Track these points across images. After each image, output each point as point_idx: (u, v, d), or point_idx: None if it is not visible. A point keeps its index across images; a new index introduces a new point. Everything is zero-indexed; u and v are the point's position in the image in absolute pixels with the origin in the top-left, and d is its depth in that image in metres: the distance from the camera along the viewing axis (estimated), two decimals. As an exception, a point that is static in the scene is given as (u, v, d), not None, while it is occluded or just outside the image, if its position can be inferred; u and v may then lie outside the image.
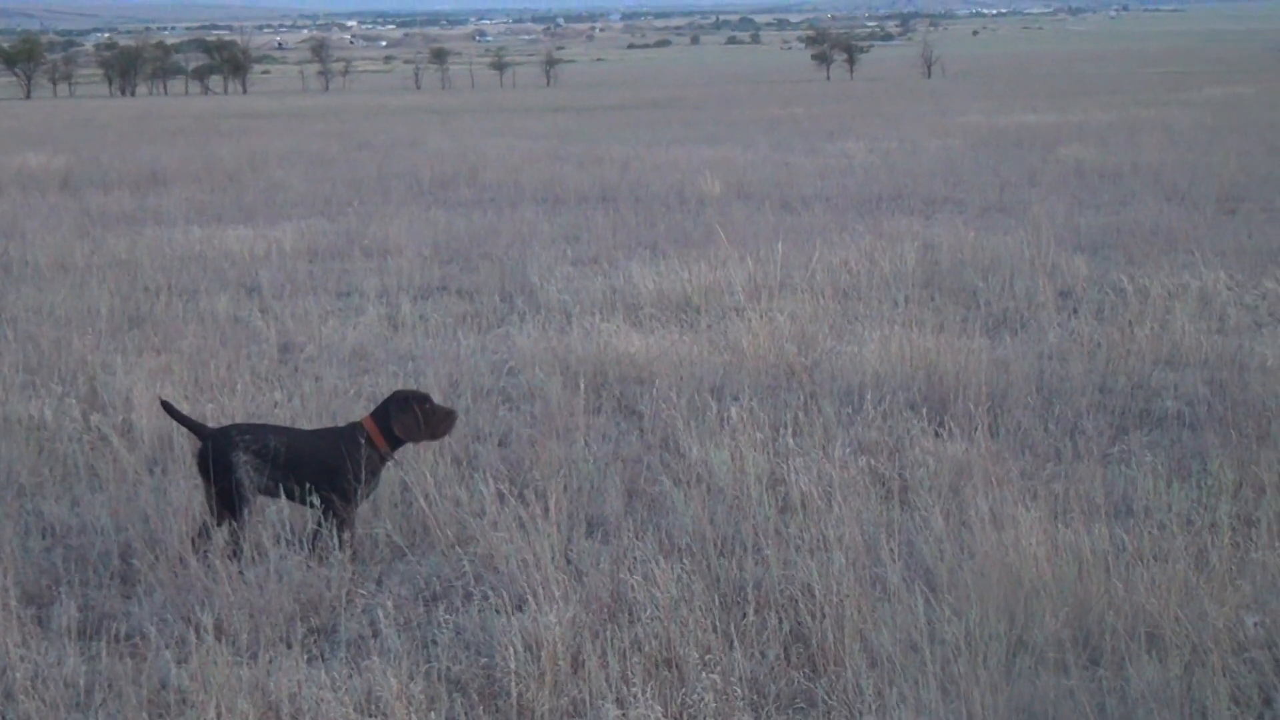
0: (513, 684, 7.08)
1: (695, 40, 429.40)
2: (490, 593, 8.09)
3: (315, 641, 7.86)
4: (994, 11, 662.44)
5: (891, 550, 8.19)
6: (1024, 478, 9.81)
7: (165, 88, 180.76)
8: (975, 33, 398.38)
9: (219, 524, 8.79)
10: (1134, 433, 11.11)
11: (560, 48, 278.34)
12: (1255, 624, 7.25)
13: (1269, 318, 15.03)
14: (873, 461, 10.20)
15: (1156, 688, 6.71)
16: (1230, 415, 11.32)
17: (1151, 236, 20.93)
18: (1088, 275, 17.53)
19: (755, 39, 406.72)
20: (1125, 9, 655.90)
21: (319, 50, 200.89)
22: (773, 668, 7.26)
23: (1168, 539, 8.23)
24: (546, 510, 8.74)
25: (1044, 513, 8.49)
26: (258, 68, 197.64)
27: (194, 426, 9.09)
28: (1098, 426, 11.14)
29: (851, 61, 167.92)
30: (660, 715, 6.78)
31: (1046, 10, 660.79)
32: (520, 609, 7.77)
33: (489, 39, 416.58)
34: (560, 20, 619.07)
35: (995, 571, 7.71)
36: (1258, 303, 15.64)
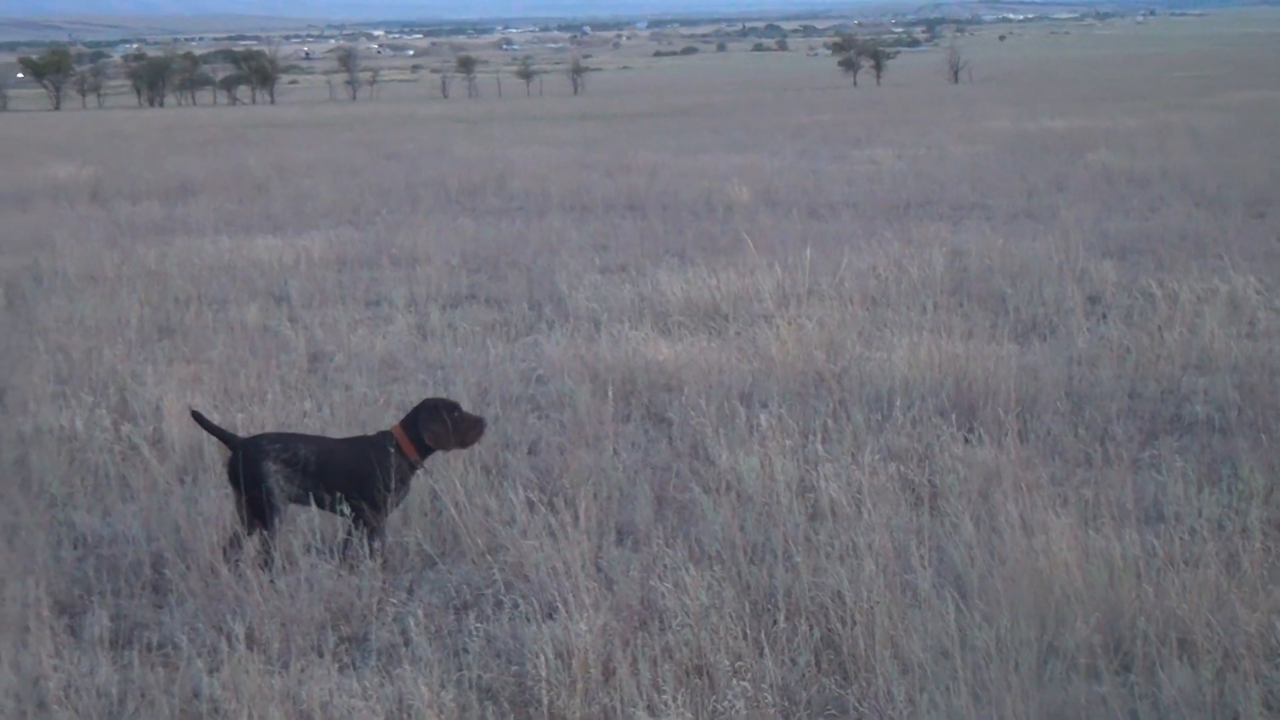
0: (544, 692, 7.09)
1: (721, 47, 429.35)
2: (521, 601, 8.11)
3: (346, 650, 7.88)
4: (1020, 17, 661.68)
5: (922, 557, 8.18)
6: (1054, 483, 9.79)
7: (193, 98, 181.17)
8: (1002, 38, 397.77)
9: (250, 533, 8.82)
10: (1164, 438, 11.09)
11: (587, 56, 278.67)
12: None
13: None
14: (902, 468, 10.20)
15: (1188, 693, 6.70)
16: (1261, 420, 11.29)
17: (1180, 241, 20.88)
18: (1116, 280, 17.49)
19: (782, 46, 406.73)
20: (1152, 13, 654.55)
21: (346, 60, 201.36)
22: (804, 675, 7.26)
23: (1199, 544, 8.21)
24: (576, 518, 8.75)
25: (1074, 518, 8.47)
26: (285, 78, 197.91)
27: (224, 436, 9.12)
28: (1127, 432, 11.12)
29: (878, 68, 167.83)
30: (691, 722, 6.79)
31: (1073, 15, 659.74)
32: (551, 617, 7.77)
33: (515, 47, 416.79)
34: (586, 28, 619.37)
35: (1026, 578, 7.71)
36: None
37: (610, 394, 11.95)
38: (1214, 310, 14.84)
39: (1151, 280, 16.67)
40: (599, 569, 8.52)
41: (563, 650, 7.33)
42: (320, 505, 8.95)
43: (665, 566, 8.31)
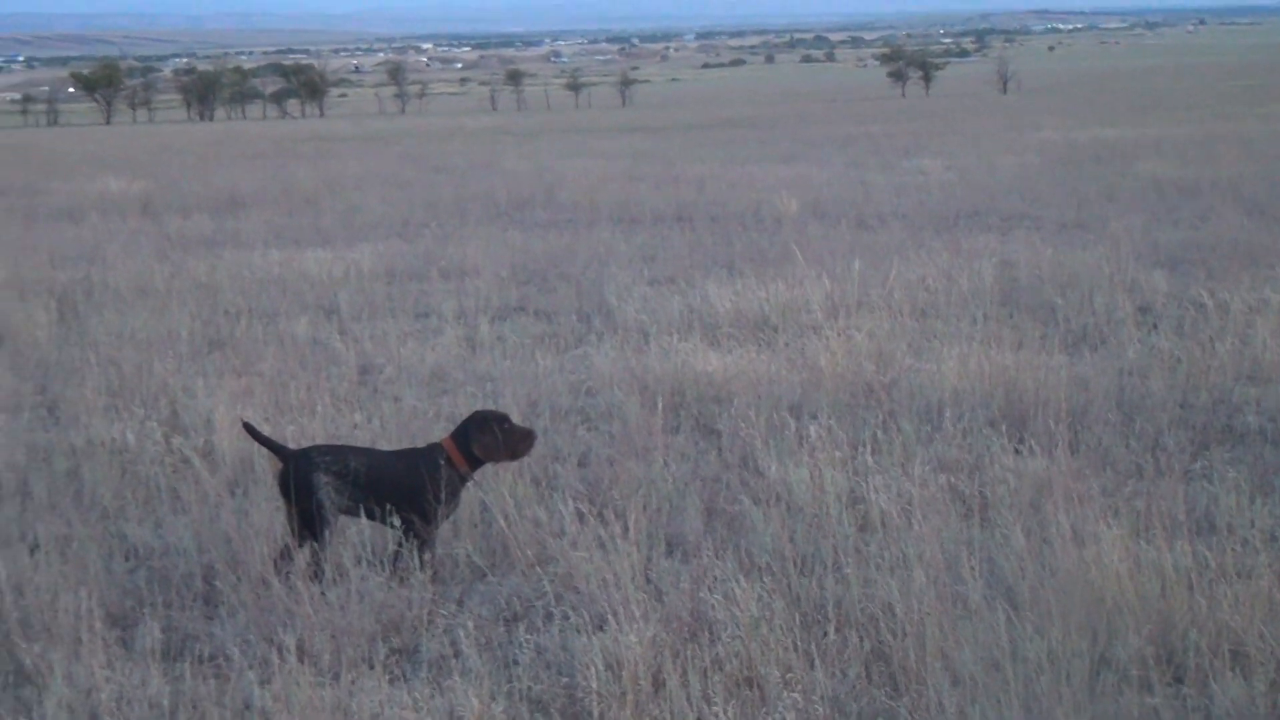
0: (594, 704, 7.09)
1: (770, 59, 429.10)
2: (571, 612, 8.12)
3: (397, 662, 7.89)
4: (1069, 27, 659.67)
5: (972, 568, 8.16)
6: (1105, 494, 9.75)
7: (243, 112, 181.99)
8: (1051, 48, 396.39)
9: (300, 545, 8.84)
10: (1216, 449, 11.04)
11: (635, 68, 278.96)
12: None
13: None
14: (952, 479, 10.17)
15: (1241, 705, 6.67)
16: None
17: (1231, 251, 20.77)
18: (1167, 291, 17.42)
19: (830, 57, 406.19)
20: (1202, 23, 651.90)
21: (395, 73, 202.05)
22: (854, 687, 7.24)
23: (1251, 555, 8.17)
24: (626, 530, 8.75)
25: (1126, 530, 8.44)
26: (334, 91, 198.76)
27: (275, 448, 9.15)
28: (1179, 443, 11.07)
29: (927, 78, 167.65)
30: (742, 734, 6.79)
31: (1123, 25, 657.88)
32: (601, 629, 7.77)
33: (564, 60, 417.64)
34: (635, 40, 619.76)
35: (1077, 589, 7.68)
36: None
37: (659, 406, 11.94)
38: (1266, 320, 14.76)
39: (1202, 290, 16.60)
40: (649, 580, 8.52)
41: (613, 662, 7.33)
42: (371, 517, 8.97)
43: (715, 578, 8.30)
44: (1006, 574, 8.21)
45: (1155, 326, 15.55)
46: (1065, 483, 9.65)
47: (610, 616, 7.76)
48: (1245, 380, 13.07)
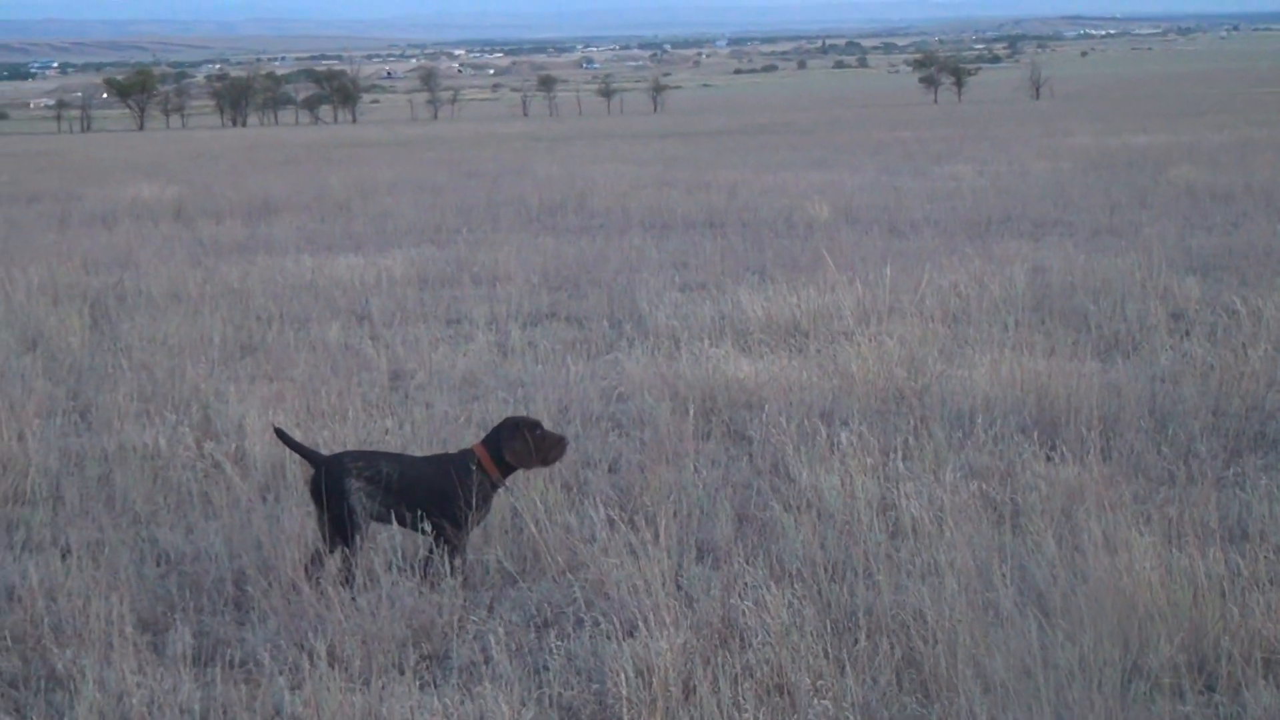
0: (624, 710, 7.09)
1: (802, 65, 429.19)
2: (601, 619, 8.12)
3: (427, 668, 7.89)
4: (1102, 33, 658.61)
5: (1004, 575, 8.14)
6: (1137, 501, 9.72)
7: (276, 118, 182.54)
8: (1084, 54, 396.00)
9: (332, 550, 8.86)
10: (1249, 456, 11.00)
11: (667, 74, 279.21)
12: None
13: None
14: (984, 486, 10.16)
15: (1274, 714, 6.66)
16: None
17: (1265, 258, 20.71)
18: (1200, 297, 17.36)
19: (862, 63, 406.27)
20: (1236, 29, 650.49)
21: (427, 79, 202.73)
22: (885, 694, 7.22)
23: (1285, 563, 8.14)
24: (657, 536, 8.74)
25: (1158, 537, 8.42)
26: (367, 97, 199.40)
27: (307, 454, 9.16)
28: (1212, 450, 11.02)
29: (959, 84, 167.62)
30: (772, 741, 6.78)
31: (1155, 31, 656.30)
32: (631, 635, 7.76)
33: (596, 66, 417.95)
34: (667, 46, 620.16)
35: (1109, 596, 7.66)
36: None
37: (691, 412, 11.95)
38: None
39: (1235, 297, 16.53)
40: (679, 587, 8.51)
41: (643, 668, 7.32)
42: (402, 523, 8.98)
43: (746, 585, 8.30)
44: (1038, 581, 8.19)
45: (1188, 333, 15.48)
46: (1097, 490, 9.65)
47: (641, 623, 7.75)
48: (1277, 388, 13.00)
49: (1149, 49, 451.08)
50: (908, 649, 7.58)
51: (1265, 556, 8.32)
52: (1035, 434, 11.36)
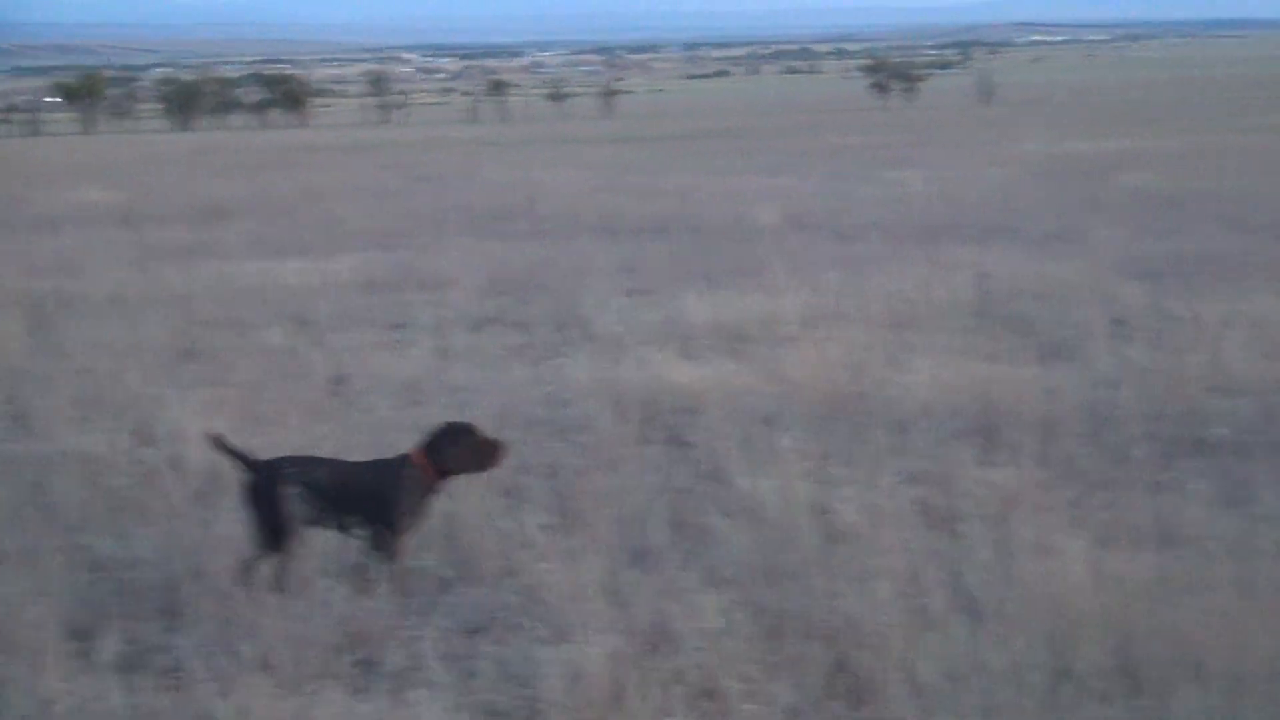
0: (554, 715, 7.07)
1: (754, 70, 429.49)
2: (534, 624, 8.10)
3: (360, 673, 7.85)
4: (1053, 39, 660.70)
5: (937, 579, 8.15)
6: (1071, 506, 9.74)
7: (225, 122, 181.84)
8: (1035, 60, 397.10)
9: (266, 556, 8.81)
10: (1184, 460, 11.05)
11: (619, 79, 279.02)
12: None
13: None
14: (921, 491, 10.18)
15: (1197, 717, 6.67)
16: (1280, 442, 11.26)
17: (1210, 263, 20.81)
18: (1143, 303, 17.42)
19: (814, 69, 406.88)
20: (1188, 35, 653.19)
21: (378, 83, 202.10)
22: (815, 698, 7.22)
23: (1213, 568, 8.16)
24: (592, 541, 8.73)
25: (1090, 541, 8.45)
26: (317, 101, 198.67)
27: (243, 459, 9.11)
28: (1147, 454, 11.04)
29: (910, 90, 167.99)
30: (702, 746, 6.78)
31: (1106, 38, 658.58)
32: (564, 640, 7.75)
33: (548, 70, 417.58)
34: (619, 51, 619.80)
35: (1040, 600, 7.68)
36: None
37: (632, 417, 11.94)
38: (1237, 333, 14.79)
39: (1178, 303, 16.62)
40: (613, 592, 8.49)
41: (574, 674, 7.31)
42: (338, 528, 8.95)
43: (679, 589, 8.29)
44: (970, 585, 8.20)
45: (1130, 338, 15.52)
46: (1032, 494, 9.68)
47: (572, 628, 7.74)
48: (1216, 392, 13.06)
49: (1100, 55, 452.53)
50: (838, 653, 7.57)
51: (1195, 561, 8.35)
52: (974, 439, 11.39)
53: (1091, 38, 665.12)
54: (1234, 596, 7.66)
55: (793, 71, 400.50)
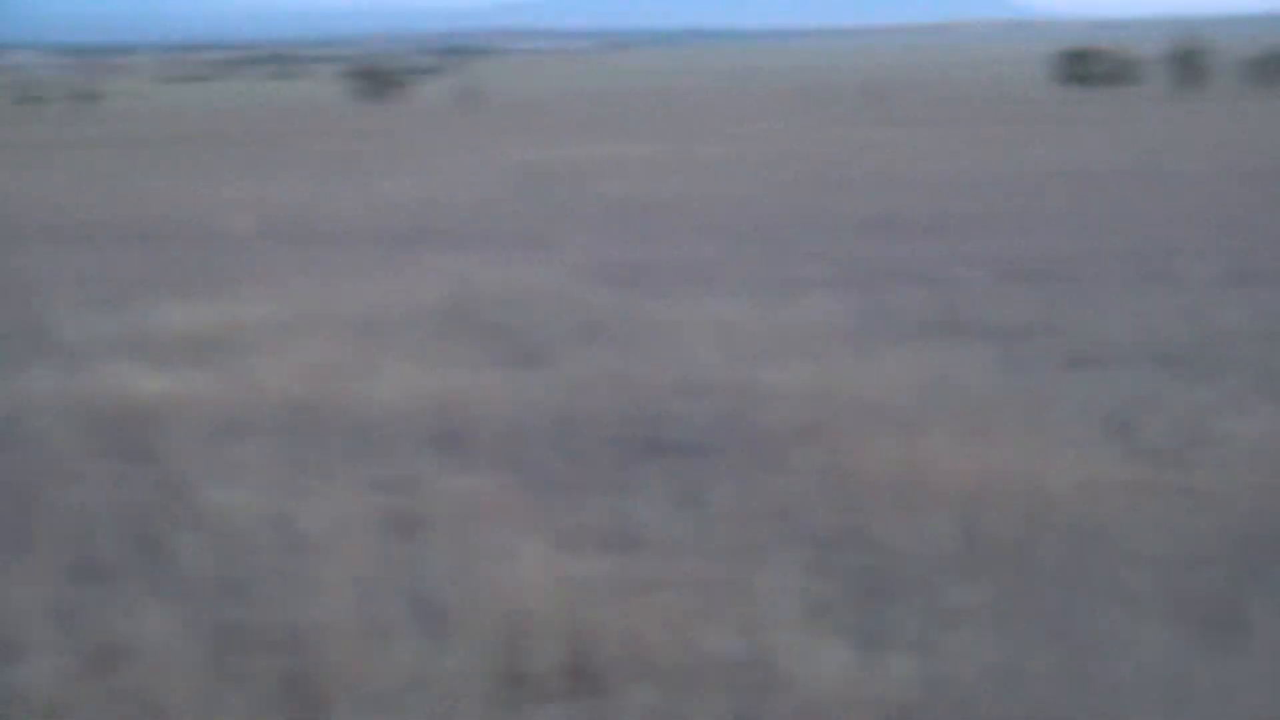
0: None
1: (235, 74, 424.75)
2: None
3: None
4: (540, 47, 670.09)
5: (396, 587, 8.12)
6: (535, 511, 9.80)
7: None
8: (521, 66, 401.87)
9: None
10: (646, 463, 11.20)
11: (91, 81, 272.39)
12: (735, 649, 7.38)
13: (782, 346, 15.33)
14: (387, 499, 10.13)
15: (653, 713, 6.79)
16: (739, 443, 11.53)
17: (682, 269, 21.28)
18: (616, 308, 17.69)
19: (298, 73, 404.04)
20: (664, 45, 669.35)
21: None
22: (264, 710, 7.09)
23: (667, 567, 8.31)
24: (41, 559, 8.45)
25: (551, 545, 8.52)
26: None
27: None
28: (612, 458, 11.20)
29: (395, 96, 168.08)
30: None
31: (591, 45, 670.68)
32: (7, 662, 7.46)
33: (22, 70, 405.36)
34: (93, 54, 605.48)
35: (497, 605, 7.71)
36: (773, 331, 15.97)
37: (93, 429, 11.62)
38: (705, 336, 15.13)
39: (650, 307, 16.93)
40: (62, 611, 8.21)
41: (17, 694, 7.04)
42: None
43: (132, 605, 8.07)
44: (429, 593, 8.18)
45: (601, 343, 15.74)
46: (498, 500, 9.72)
47: (16, 647, 7.47)
48: (680, 395, 13.30)
49: (585, 64, 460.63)
50: (292, 664, 7.46)
51: (652, 561, 8.49)
52: (443, 445, 11.39)
53: (576, 45, 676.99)
54: (687, 595, 7.81)
55: (277, 76, 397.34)
